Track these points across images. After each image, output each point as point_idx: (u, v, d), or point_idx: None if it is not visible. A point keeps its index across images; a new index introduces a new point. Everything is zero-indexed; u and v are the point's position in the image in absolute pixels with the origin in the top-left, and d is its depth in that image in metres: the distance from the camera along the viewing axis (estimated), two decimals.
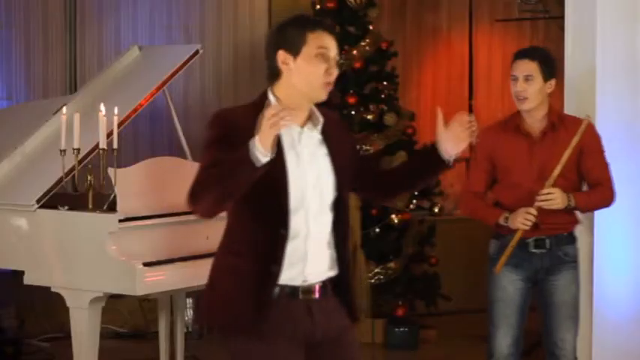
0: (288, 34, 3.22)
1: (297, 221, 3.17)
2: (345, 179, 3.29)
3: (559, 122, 4.45)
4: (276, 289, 3.18)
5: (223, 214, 3.26)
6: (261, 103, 3.22)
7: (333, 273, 3.28)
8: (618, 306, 5.10)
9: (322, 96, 3.23)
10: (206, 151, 3.20)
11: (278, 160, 3.13)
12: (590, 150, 4.43)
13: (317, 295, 3.24)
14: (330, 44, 3.21)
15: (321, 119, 3.27)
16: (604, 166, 4.52)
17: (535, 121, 4.45)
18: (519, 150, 4.42)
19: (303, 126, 3.25)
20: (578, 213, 4.55)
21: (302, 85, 3.20)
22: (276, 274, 3.16)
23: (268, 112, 2.99)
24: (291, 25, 3.25)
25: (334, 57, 3.22)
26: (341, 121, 3.48)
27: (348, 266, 3.32)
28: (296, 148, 3.21)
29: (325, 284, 3.26)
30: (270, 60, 3.23)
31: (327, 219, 3.25)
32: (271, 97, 3.23)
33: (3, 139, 5.45)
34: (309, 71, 3.19)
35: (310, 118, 3.28)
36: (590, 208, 4.58)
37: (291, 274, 3.19)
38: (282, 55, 3.20)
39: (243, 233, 3.22)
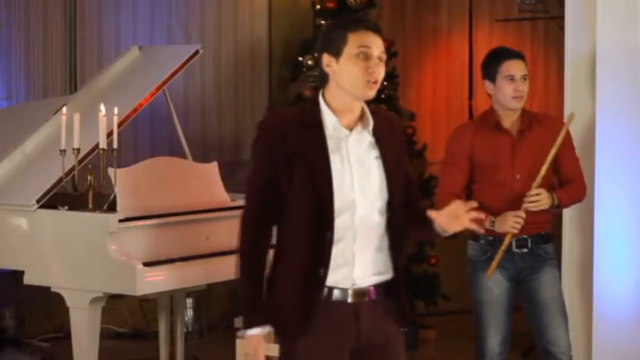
0: (331, 37, 3.24)
1: (342, 224, 3.17)
2: (396, 182, 3.26)
3: (534, 120, 4.47)
4: (325, 292, 3.18)
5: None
6: (310, 105, 3.26)
7: (386, 277, 3.27)
8: (618, 306, 5.10)
9: (368, 94, 3.20)
10: (251, 171, 3.25)
11: (323, 164, 3.16)
12: (564, 146, 4.43)
13: (367, 299, 3.23)
14: (372, 43, 3.19)
15: (371, 121, 3.25)
16: (576, 161, 4.55)
17: (513, 120, 4.46)
18: (502, 147, 4.43)
19: (352, 129, 3.24)
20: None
21: (346, 85, 3.20)
22: (323, 277, 3.17)
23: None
24: (333, 27, 3.29)
25: (378, 55, 3.19)
26: (399, 125, 3.46)
27: (401, 270, 3.30)
28: (341, 151, 3.20)
29: (378, 288, 3.25)
30: (318, 65, 3.27)
31: (378, 222, 3.23)
32: (321, 100, 3.25)
33: (3, 139, 5.45)
34: (350, 71, 3.18)
35: (361, 119, 3.26)
36: (569, 204, 4.59)
37: (338, 277, 3.19)
38: (326, 59, 3.23)
39: (291, 239, 3.23)
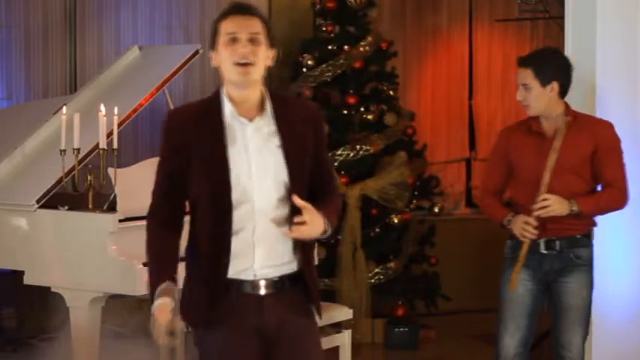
0: (211, 33, 3.27)
1: (241, 215, 3.17)
2: (300, 172, 3.22)
3: (574, 121, 4.45)
4: (227, 283, 3.20)
5: None
6: (212, 97, 3.26)
7: (291, 268, 3.25)
8: (618, 306, 5.10)
9: (238, 77, 3.18)
10: (160, 157, 3.29)
11: (219, 156, 3.16)
12: (604, 149, 4.43)
13: (267, 291, 3.22)
14: (237, 27, 3.19)
15: (268, 109, 3.22)
16: (618, 166, 4.48)
17: (549, 121, 4.46)
18: (530, 148, 4.44)
19: (252, 119, 3.22)
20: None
21: (224, 74, 3.22)
22: (224, 268, 3.18)
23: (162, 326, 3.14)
24: (213, 23, 3.29)
25: (247, 37, 3.17)
26: (314, 112, 3.36)
27: (309, 263, 3.29)
28: (240, 142, 3.19)
29: (282, 279, 3.24)
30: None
31: (280, 213, 3.21)
32: (222, 91, 3.25)
33: (3, 139, 5.45)
34: (222, 58, 3.21)
35: (262, 109, 3.24)
36: (599, 211, 4.49)
37: (239, 268, 3.20)
38: (211, 55, 3.27)
39: (194, 229, 3.26)
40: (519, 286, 4.46)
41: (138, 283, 4.68)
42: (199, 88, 7.62)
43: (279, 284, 3.23)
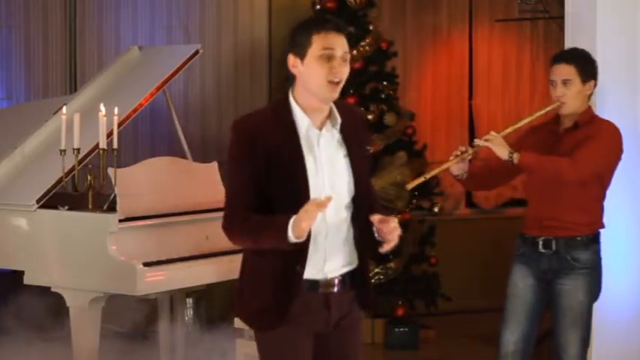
0: (296, 38, 3.29)
1: (316, 222, 3.22)
2: (362, 177, 3.37)
3: (586, 123, 4.44)
4: (300, 285, 3.28)
5: None
6: (282, 105, 3.30)
7: (351, 267, 3.37)
8: (618, 306, 5.09)
9: (329, 95, 3.26)
10: (233, 171, 3.30)
11: (299, 165, 3.24)
12: (589, 137, 4.38)
13: (335, 289, 3.33)
14: (335, 44, 3.24)
15: (338, 119, 3.32)
16: (588, 150, 4.34)
17: (568, 120, 4.47)
18: (543, 142, 4.43)
19: (321, 127, 3.30)
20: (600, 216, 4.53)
21: (310, 85, 3.26)
22: (300, 274, 3.27)
23: (309, 207, 3.11)
24: (299, 28, 3.32)
25: (341, 56, 3.25)
26: (362, 118, 3.53)
27: (366, 260, 3.42)
28: (314, 152, 3.28)
29: (344, 278, 3.35)
30: (287, 64, 3.32)
31: (344, 217, 3.33)
32: (291, 100, 3.30)
33: (3, 139, 5.45)
34: (314, 72, 3.24)
35: (329, 117, 3.33)
36: (540, 168, 4.32)
37: (311, 271, 3.29)
38: (291, 59, 3.29)
39: None
40: (519, 281, 4.47)
41: (138, 283, 4.68)
42: (199, 88, 7.63)
43: (343, 282, 3.35)
